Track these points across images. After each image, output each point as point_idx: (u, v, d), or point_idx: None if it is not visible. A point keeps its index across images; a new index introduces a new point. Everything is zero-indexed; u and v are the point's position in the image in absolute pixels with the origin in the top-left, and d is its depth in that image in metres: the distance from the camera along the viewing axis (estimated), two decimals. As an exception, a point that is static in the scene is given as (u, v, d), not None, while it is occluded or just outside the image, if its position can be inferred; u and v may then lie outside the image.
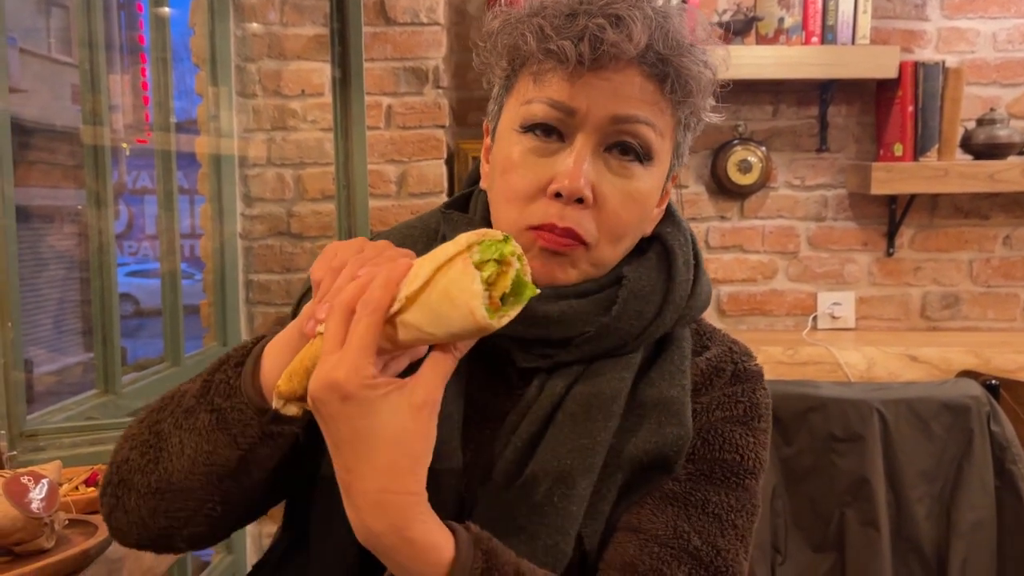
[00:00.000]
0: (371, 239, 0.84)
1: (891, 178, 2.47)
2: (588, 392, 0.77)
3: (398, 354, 0.67)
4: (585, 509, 0.74)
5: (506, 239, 0.60)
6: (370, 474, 0.60)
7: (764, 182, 2.66)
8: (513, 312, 0.60)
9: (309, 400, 0.61)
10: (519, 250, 0.61)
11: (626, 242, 0.79)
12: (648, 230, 0.83)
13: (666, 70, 0.74)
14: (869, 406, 1.99)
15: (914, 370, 2.32)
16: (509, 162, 0.77)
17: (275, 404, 0.67)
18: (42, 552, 1.05)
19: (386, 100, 2.43)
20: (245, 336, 2.46)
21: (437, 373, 0.62)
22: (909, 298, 2.74)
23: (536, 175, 0.75)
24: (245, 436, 0.70)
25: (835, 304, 2.70)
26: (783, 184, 2.71)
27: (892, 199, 2.65)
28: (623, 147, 0.76)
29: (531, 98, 0.75)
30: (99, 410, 1.75)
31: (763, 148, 2.66)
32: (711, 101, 0.81)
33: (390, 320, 0.61)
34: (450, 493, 0.75)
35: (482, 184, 0.85)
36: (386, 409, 0.60)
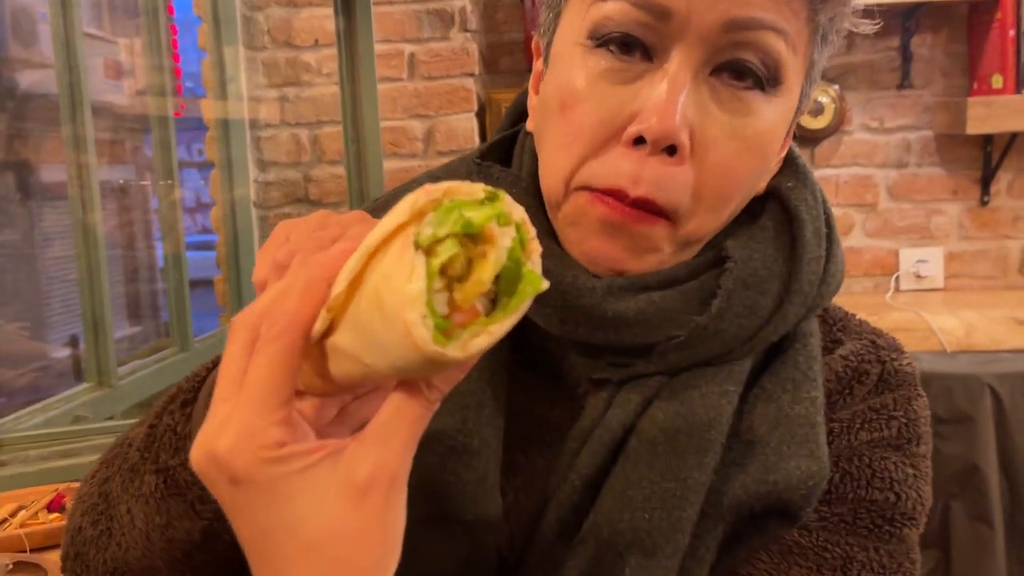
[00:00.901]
0: (375, 203, 0.68)
1: (990, 115, 2.25)
2: (674, 412, 0.59)
3: (355, 396, 0.47)
4: None
5: (491, 197, 0.38)
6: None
7: (838, 126, 2.46)
8: (498, 328, 0.38)
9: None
10: (518, 213, 0.39)
11: (732, 208, 0.60)
12: (762, 187, 0.62)
13: None
14: (979, 381, 1.79)
15: (1022, 336, 2.06)
16: (569, 92, 0.57)
17: None
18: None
19: (408, 48, 2.27)
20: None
21: (396, 429, 0.41)
22: (1007, 252, 2.52)
23: (609, 110, 0.55)
24: (205, 502, 0.55)
25: (920, 262, 2.50)
26: (859, 127, 2.50)
27: (988, 140, 2.44)
28: (738, 69, 0.55)
29: None
30: (91, 407, 1.57)
31: (836, 87, 2.46)
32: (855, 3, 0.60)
33: (319, 344, 0.40)
34: (485, 553, 0.59)
35: (528, 124, 0.65)
36: (305, 495, 0.40)
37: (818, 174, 2.46)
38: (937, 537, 1.82)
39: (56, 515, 1.08)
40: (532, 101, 0.65)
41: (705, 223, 0.58)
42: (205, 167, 2.80)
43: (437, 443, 0.56)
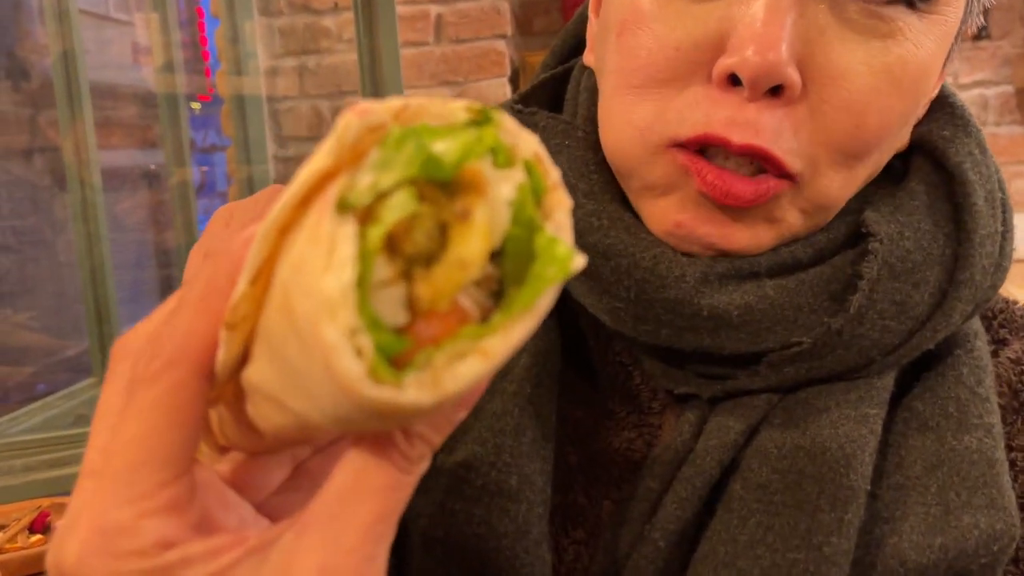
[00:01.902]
0: None
1: None
2: (794, 446, 0.44)
3: (315, 447, 0.33)
4: None
5: (478, 119, 0.24)
6: None
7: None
8: (499, 343, 0.23)
9: None
10: (527, 146, 0.24)
11: (870, 164, 0.45)
12: (906, 139, 0.48)
13: None
14: None
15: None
16: (632, 9, 0.44)
17: None
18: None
19: (434, 9, 2.17)
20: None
21: (355, 511, 0.26)
22: None
23: (687, 34, 0.43)
24: None
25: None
26: None
27: None
28: None
29: None
30: (94, 404, 1.43)
31: None
32: None
33: (235, 379, 0.26)
34: None
35: (586, 58, 0.52)
36: None
37: (885, 136, 2.32)
38: None
39: (38, 537, 0.95)
40: (592, 27, 0.51)
41: (834, 184, 0.44)
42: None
43: (463, 483, 0.44)
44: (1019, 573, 0.47)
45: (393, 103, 0.23)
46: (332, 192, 0.21)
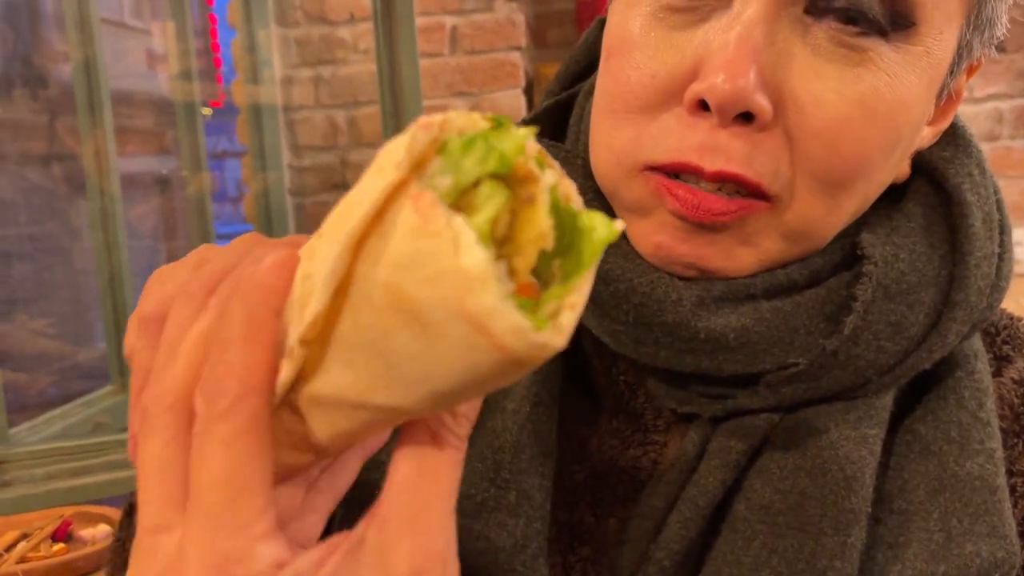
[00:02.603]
0: None
1: None
2: (795, 467, 0.45)
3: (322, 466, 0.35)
4: None
5: (498, 121, 0.27)
6: None
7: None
8: (579, 297, 0.27)
9: None
10: (532, 145, 0.28)
11: (855, 194, 0.45)
12: (905, 169, 0.48)
13: None
14: None
15: None
16: (620, 39, 0.45)
17: None
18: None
19: (449, 20, 2.16)
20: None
21: (429, 495, 0.29)
22: None
23: (664, 61, 0.43)
24: None
25: (1016, 244, 2.22)
26: None
27: None
28: (849, 6, 0.41)
29: None
30: (113, 412, 1.47)
31: None
32: None
33: (288, 404, 0.28)
34: None
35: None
36: None
37: (899, 149, 2.30)
38: None
39: (60, 546, 0.95)
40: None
41: (815, 211, 0.44)
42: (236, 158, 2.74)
43: (463, 498, 0.44)
44: None
45: (436, 118, 0.26)
46: (427, 195, 0.24)
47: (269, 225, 2.15)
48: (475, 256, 0.23)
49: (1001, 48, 1.83)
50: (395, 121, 1.46)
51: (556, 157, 0.48)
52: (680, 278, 0.45)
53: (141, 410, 0.30)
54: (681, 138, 0.43)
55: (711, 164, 0.42)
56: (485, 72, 2.14)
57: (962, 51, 0.45)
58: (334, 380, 0.27)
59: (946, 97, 0.47)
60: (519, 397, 0.46)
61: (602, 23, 0.52)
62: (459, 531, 0.43)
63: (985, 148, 1.89)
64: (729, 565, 0.44)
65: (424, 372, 0.25)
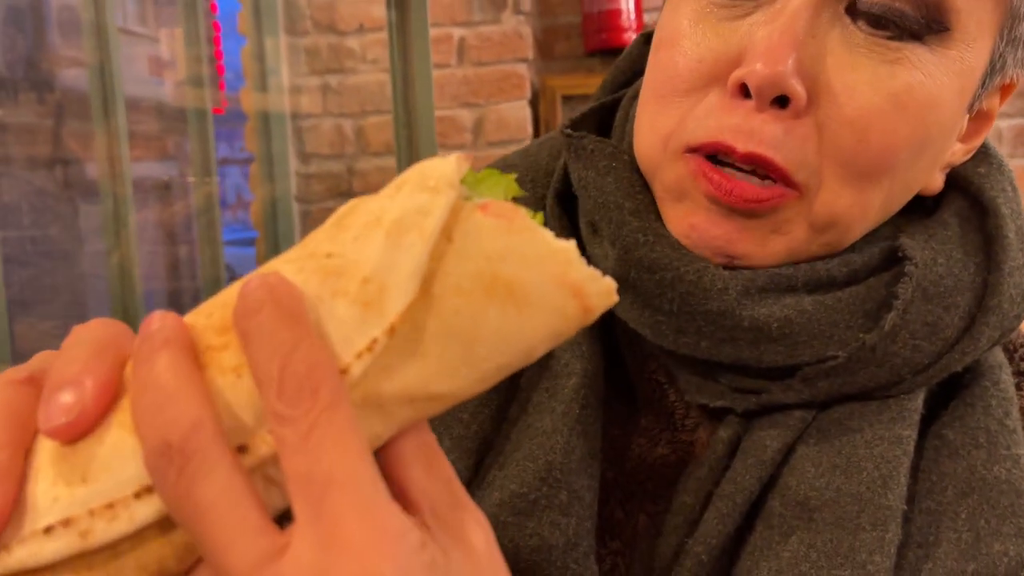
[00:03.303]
0: None
1: None
2: (831, 465, 0.46)
3: None
4: None
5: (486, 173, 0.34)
6: None
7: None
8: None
9: None
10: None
11: (883, 188, 0.47)
12: (938, 182, 0.50)
13: None
14: None
15: None
16: (671, 32, 0.48)
17: None
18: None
19: (457, 32, 2.19)
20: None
21: (447, 471, 0.32)
22: None
23: (711, 48, 0.46)
24: None
25: None
26: None
27: None
28: (886, 8, 0.44)
29: None
30: None
31: None
32: None
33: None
34: None
35: None
36: (478, 572, 0.30)
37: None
38: None
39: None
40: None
41: (841, 199, 0.46)
42: (247, 164, 2.75)
43: (517, 497, 0.46)
44: None
45: (460, 155, 0.31)
46: (501, 204, 0.30)
47: (275, 230, 2.18)
48: (566, 243, 0.29)
49: (1001, 67, 1.84)
50: (407, 130, 1.49)
51: (603, 152, 0.51)
52: (726, 268, 0.47)
53: (161, 452, 0.27)
54: (720, 119, 0.45)
55: (744, 145, 0.44)
56: (492, 83, 2.17)
57: (995, 63, 0.47)
58: (398, 372, 0.29)
59: (977, 112, 0.49)
60: (567, 399, 0.48)
61: (645, 38, 0.55)
62: (512, 528, 0.45)
63: (985, 166, 1.84)
64: (767, 559, 0.45)
65: (502, 346, 0.29)
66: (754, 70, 0.43)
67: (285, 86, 2.21)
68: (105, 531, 0.27)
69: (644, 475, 0.50)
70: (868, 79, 0.44)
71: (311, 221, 2.28)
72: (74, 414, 0.27)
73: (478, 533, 0.30)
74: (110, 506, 0.27)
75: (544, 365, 0.50)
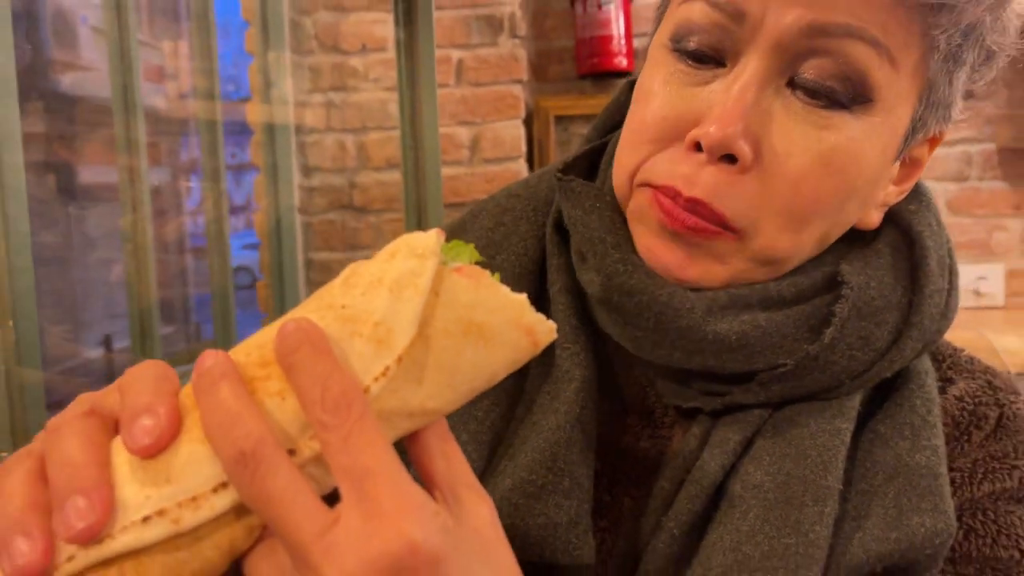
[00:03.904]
0: (456, 222, 0.67)
1: None
2: (782, 454, 0.53)
3: None
4: None
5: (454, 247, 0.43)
6: None
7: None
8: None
9: None
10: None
11: (815, 230, 0.54)
12: (874, 218, 0.57)
13: None
14: None
15: (1091, 359, 1.96)
16: (645, 89, 0.56)
17: None
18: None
19: (456, 53, 2.23)
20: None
21: (462, 462, 0.40)
22: None
23: (675, 109, 0.53)
24: None
25: (980, 279, 2.41)
26: None
27: None
28: (817, 82, 0.50)
29: None
30: None
31: None
32: (1013, 20, 0.52)
33: None
34: None
35: None
36: (480, 544, 0.38)
37: (874, 187, 2.41)
38: None
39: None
40: None
41: (779, 241, 0.53)
42: (238, 171, 2.78)
43: (526, 483, 0.52)
44: (953, 572, 0.55)
45: (437, 231, 0.40)
46: (472, 268, 0.39)
47: (279, 239, 2.22)
48: (520, 296, 0.39)
49: (970, 95, 1.95)
50: (413, 144, 1.56)
51: (589, 194, 0.59)
52: (691, 290, 0.53)
53: (237, 460, 0.33)
54: (674, 167, 0.52)
55: (689, 191, 0.51)
56: (488, 103, 2.22)
57: (916, 123, 0.54)
58: (404, 394, 0.36)
59: (908, 160, 0.56)
60: (569, 401, 0.54)
61: (630, 85, 0.62)
62: (522, 509, 0.53)
63: (954, 188, 2.04)
64: (729, 532, 0.52)
65: (475, 373, 0.38)
66: (708, 132, 0.50)
67: (290, 102, 2.25)
68: (192, 518, 0.34)
69: (628, 465, 0.58)
70: (803, 142, 0.50)
71: (312, 231, 2.33)
72: (155, 436, 0.34)
73: (483, 508, 0.38)
74: (194, 499, 0.34)
75: (547, 372, 0.57)
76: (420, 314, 0.36)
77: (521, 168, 2.24)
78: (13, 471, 0.35)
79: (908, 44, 0.50)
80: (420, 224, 1.65)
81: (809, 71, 0.50)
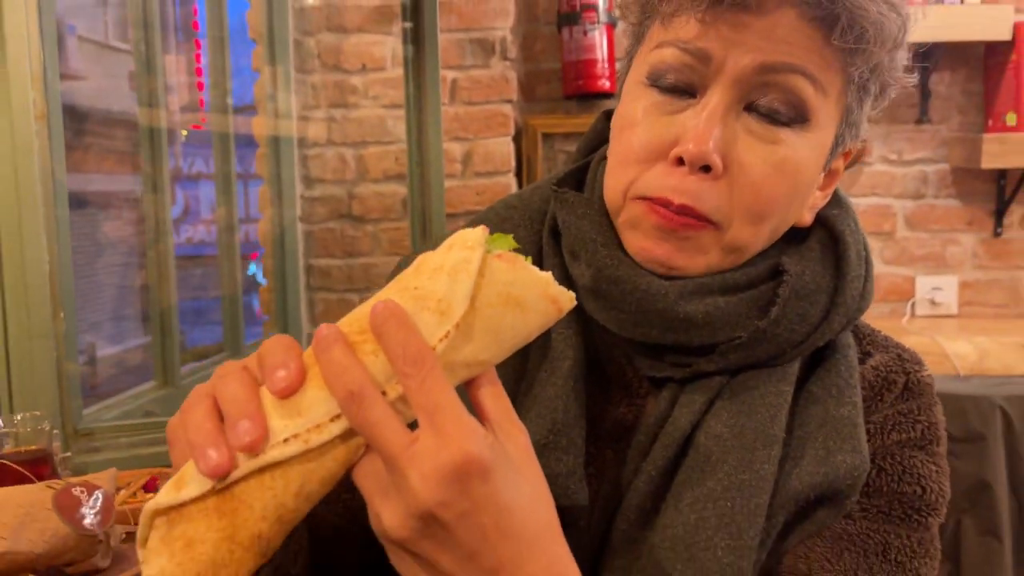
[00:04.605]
0: (464, 227, 0.76)
1: (1004, 151, 2.30)
2: (737, 411, 0.65)
3: None
4: None
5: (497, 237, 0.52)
6: (530, 554, 0.48)
7: (857, 157, 2.45)
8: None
9: (408, 524, 0.46)
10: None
11: (770, 224, 0.66)
12: (807, 218, 0.69)
13: (835, 10, 0.59)
14: (991, 402, 1.85)
15: (1033, 362, 2.12)
16: (629, 119, 0.66)
17: None
18: (97, 572, 0.94)
19: (451, 74, 2.34)
20: (306, 324, 2.38)
21: (506, 402, 0.50)
22: (1019, 283, 2.57)
23: (657, 133, 0.64)
24: None
25: (935, 289, 2.55)
26: (878, 159, 2.56)
27: (1001, 174, 2.50)
28: (767, 107, 0.62)
29: (660, 42, 0.64)
30: (158, 404, 1.68)
31: None
32: (903, 58, 0.65)
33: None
34: (576, 536, 0.62)
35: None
36: (518, 462, 0.49)
37: (838, 203, 2.56)
38: (949, 550, 1.86)
39: (152, 493, 1.18)
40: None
41: (744, 232, 0.64)
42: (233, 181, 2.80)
43: (532, 442, 0.59)
44: (868, 503, 0.67)
45: (478, 230, 0.50)
46: (511, 255, 0.49)
47: (282, 247, 2.32)
48: (546, 273, 0.49)
49: (927, 120, 2.13)
50: (419, 157, 1.69)
51: (580, 202, 0.70)
52: (663, 277, 0.63)
53: (348, 398, 0.44)
54: (663, 181, 0.62)
55: (679, 199, 0.62)
56: (480, 121, 2.32)
57: (838, 140, 0.66)
58: (463, 351, 0.47)
59: (830, 171, 0.68)
60: (564, 375, 0.64)
61: (606, 115, 0.74)
62: None
63: (911, 205, 2.24)
64: (697, 472, 0.62)
65: (514, 333, 0.48)
66: (688, 148, 0.61)
67: (294, 117, 2.35)
68: (317, 439, 0.45)
69: (611, 426, 0.69)
70: (760, 154, 0.62)
71: (313, 239, 2.42)
72: (288, 382, 0.46)
73: (521, 436, 0.49)
74: (317, 427, 0.45)
75: (545, 354, 0.66)
76: (471, 291, 0.47)
77: (510, 182, 2.35)
78: (196, 406, 0.47)
79: (833, 78, 0.62)
80: (424, 230, 1.77)
81: (762, 99, 0.62)
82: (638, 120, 0.65)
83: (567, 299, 0.49)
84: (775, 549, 0.65)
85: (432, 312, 0.47)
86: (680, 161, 0.62)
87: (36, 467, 1.08)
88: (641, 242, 0.65)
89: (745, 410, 0.64)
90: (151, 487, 1.19)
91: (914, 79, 0.68)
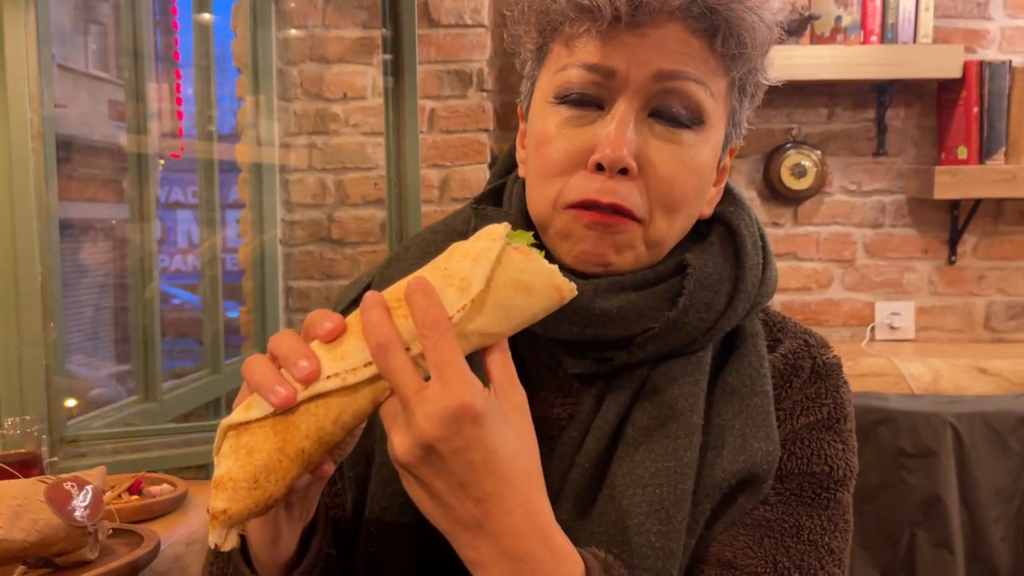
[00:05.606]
0: (386, 259, 0.83)
1: (956, 182, 2.40)
2: (659, 402, 0.69)
3: None
4: None
5: (517, 233, 0.60)
6: (510, 492, 0.56)
7: (819, 187, 2.61)
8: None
9: (412, 451, 0.55)
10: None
11: (682, 217, 0.71)
12: (707, 211, 0.75)
13: (715, 22, 0.66)
14: (942, 419, 1.91)
15: (983, 383, 2.22)
16: (543, 136, 0.70)
17: (214, 538, 0.56)
18: (85, 563, 0.99)
19: (429, 103, 2.41)
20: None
21: (511, 368, 0.58)
22: (973, 308, 2.66)
23: (573, 145, 0.69)
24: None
25: (893, 314, 2.63)
26: (838, 189, 2.65)
27: (955, 205, 2.60)
28: (669, 112, 0.68)
29: (565, 64, 0.69)
30: (140, 416, 1.72)
31: (818, 152, 2.61)
32: (770, 61, 0.73)
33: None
34: None
35: (520, 171, 0.78)
36: (510, 415, 0.56)
37: (800, 231, 2.66)
38: (903, 563, 1.92)
39: (136, 496, 1.23)
40: (521, 154, 0.78)
41: (663, 225, 0.70)
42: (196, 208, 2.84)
43: None
44: (781, 487, 0.71)
45: (505, 224, 0.58)
46: (526, 247, 0.57)
47: (263, 270, 2.37)
48: (553, 265, 0.57)
49: (884, 153, 2.25)
50: (398, 182, 1.76)
51: (498, 216, 0.75)
52: (583, 277, 0.68)
53: (378, 348, 0.54)
54: (587, 185, 0.67)
55: (606, 199, 0.66)
56: (457, 149, 2.39)
57: (727, 138, 0.73)
58: (476, 323, 0.56)
59: (721, 168, 0.74)
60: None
61: (514, 147, 0.80)
62: None
63: (871, 234, 2.37)
64: (627, 462, 0.67)
65: (522, 313, 0.56)
66: (605, 154, 0.66)
67: (276, 144, 2.41)
68: (353, 379, 0.55)
69: (548, 426, 0.73)
70: (667, 153, 0.68)
71: (293, 261, 2.46)
72: (330, 329, 0.56)
73: (517, 396, 0.57)
74: (354, 369, 0.55)
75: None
76: (488, 274, 0.56)
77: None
78: (258, 359, 0.57)
79: (719, 84, 0.69)
80: (401, 252, 1.82)
81: (663, 105, 0.67)
82: (553, 135, 0.69)
83: (568, 289, 0.57)
84: (703, 537, 0.69)
85: (455, 289, 0.56)
86: (599, 167, 0.67)
87: (25, 469, 1.13)
88: (577, 246, 0.69)
89: (666, 400, 0.69)
90: (135, 488, 1.24)
91: (777, 80, 0.75)
